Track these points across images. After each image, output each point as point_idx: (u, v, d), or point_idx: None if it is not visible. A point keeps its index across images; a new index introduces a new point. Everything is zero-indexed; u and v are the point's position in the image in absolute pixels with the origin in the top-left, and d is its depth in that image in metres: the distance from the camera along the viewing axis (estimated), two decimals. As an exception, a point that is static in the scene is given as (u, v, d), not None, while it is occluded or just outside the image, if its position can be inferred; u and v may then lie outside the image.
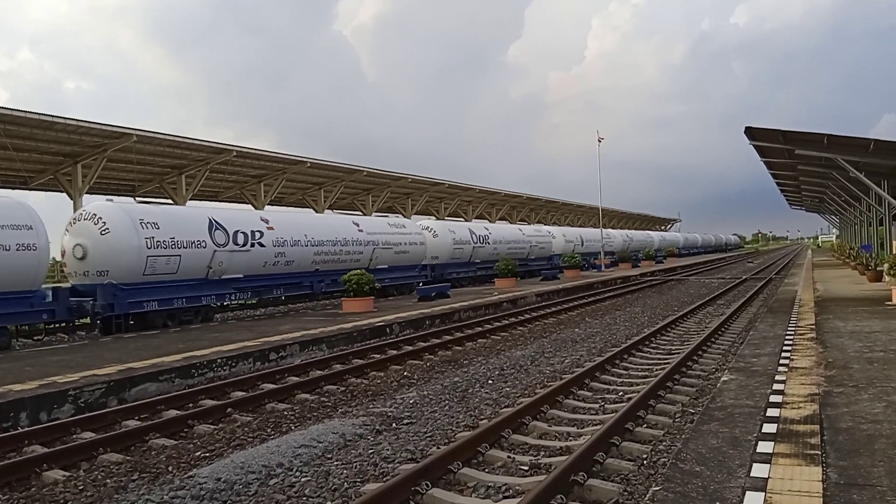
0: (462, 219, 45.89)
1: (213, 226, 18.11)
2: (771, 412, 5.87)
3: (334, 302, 25.03)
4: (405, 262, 26.48)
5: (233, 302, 21.16)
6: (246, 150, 25.93)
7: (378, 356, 12.55)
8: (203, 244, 17.59)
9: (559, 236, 45.11)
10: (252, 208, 29.62)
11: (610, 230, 59.65)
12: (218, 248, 17.96)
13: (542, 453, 6.47)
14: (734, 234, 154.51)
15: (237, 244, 18.60)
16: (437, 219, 41.85)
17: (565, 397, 8.59)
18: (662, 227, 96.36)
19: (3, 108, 18.08)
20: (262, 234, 19.51)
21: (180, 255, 16.98)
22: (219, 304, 19.62)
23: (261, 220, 20.14)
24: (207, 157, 25.21)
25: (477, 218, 47.97)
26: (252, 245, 19.12)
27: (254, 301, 23.19)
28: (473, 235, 33.50)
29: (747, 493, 4.05)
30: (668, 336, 14.09)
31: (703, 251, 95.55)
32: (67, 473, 6.46)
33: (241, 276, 18.97)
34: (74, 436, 7.77)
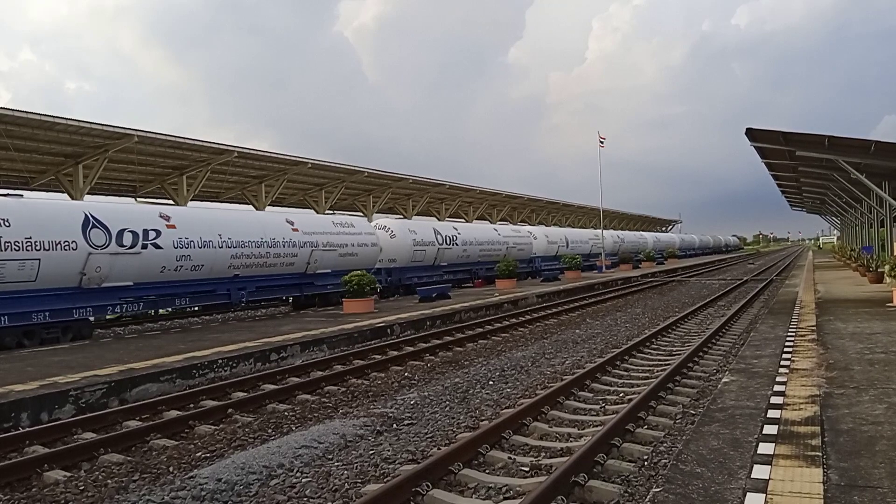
0: (463, 220, 45.87)
1: (89, 223, 15.09)
2: (772, 413, 5.87)
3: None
4: (354, 266, 22.11)
5: (124, 314, 17.97)
6: (247, 150, 25.94)
7: (379, 357, 12.55)
8: (73, 245, 14.59)
9: (541, 237, 41.44)
10: (253, 209, 29.64)
11: (605, 231, 56.92)
12: (94, 251, 14.95)
13: (543, 454, 6.47)
14: (733, 236, 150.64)
15: (122, 245, 15.60)
16: (439, 219, 41.83)
17: (566, 398, 8.59)
18: (663, 229, 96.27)
19: (4, 108, 18.10)
20: (158, 233, 16.48)
21: (39, 259, 13.97)
22: (99, 317, 16.56)
23: (159, 216, 16.96)
24: (208, 157, 25.23)
25: (478, 219, 47.98)
26: (144, 247, 16.08)
27: (150, 313, 20.27)
28: (439, 236, 29.78)
29: (748, 494, 4.05)
30: (669, 337, 14.08)
31: (700, 252, 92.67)
32: (68, 474, 6.46)
33: (130, 283, 16.01)
34: (75, 436, 7.77)
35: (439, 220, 41.90)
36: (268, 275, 20.13)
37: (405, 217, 39.38)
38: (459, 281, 32.06)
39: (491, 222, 48.01)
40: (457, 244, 31.34)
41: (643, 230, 78.99)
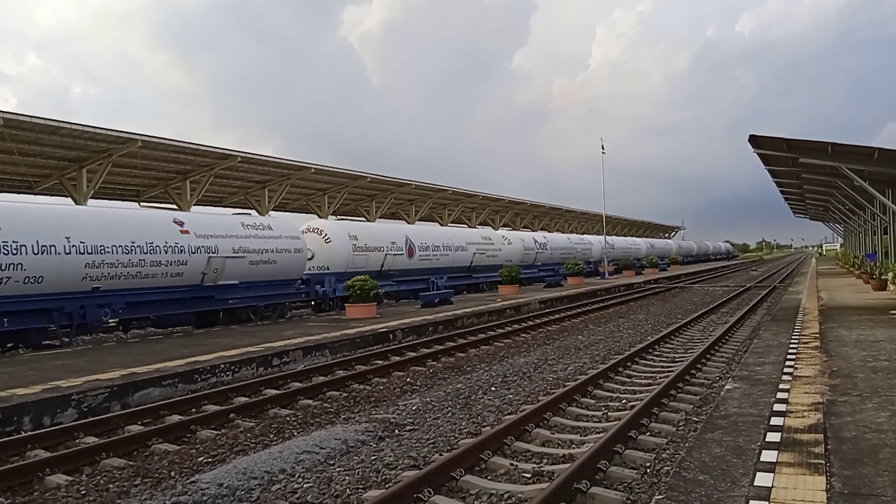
0: (465, 225, 45.82)
1: None
2: (775, 421, 5.86)
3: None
4: None
5: None
6: (251, 155, 26.00)
7: (381, 362, 12.55)
8: None
9: (339, 237, 23.77)
10: (257, 214, 29.71)
11: (508, 232, 42.09)
12: None
13: (545, 461, 6.45)
14: (726, 241, 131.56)
15: None
16: (441, 225, 41.77)
17: (568, 405, 8.57)
18: (666, 235, 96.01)
19: (9, 112, 18.14)
20: None
21: None
22: None
23: None
24: (212, 162, 25.27)
25: (480, 224, 47.93)
26: None
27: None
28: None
29: (751, 501, 4.04)
30: (672, 344, 14.05)
31: (680, 262, 69.78)
32: (70, 478, 6.46)
33: None
34: (77, 440, 7.78)
35: (441, 225, 41.78)
36: None
37: (408, 223, 39.34)
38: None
39: (494, 228, 47.93)
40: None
41: (646, 236, 78.82)
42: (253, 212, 26.36)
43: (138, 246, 16.01)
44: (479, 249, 32.81)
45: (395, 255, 25.90)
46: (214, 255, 17.84)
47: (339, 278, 22.59)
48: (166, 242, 16.74)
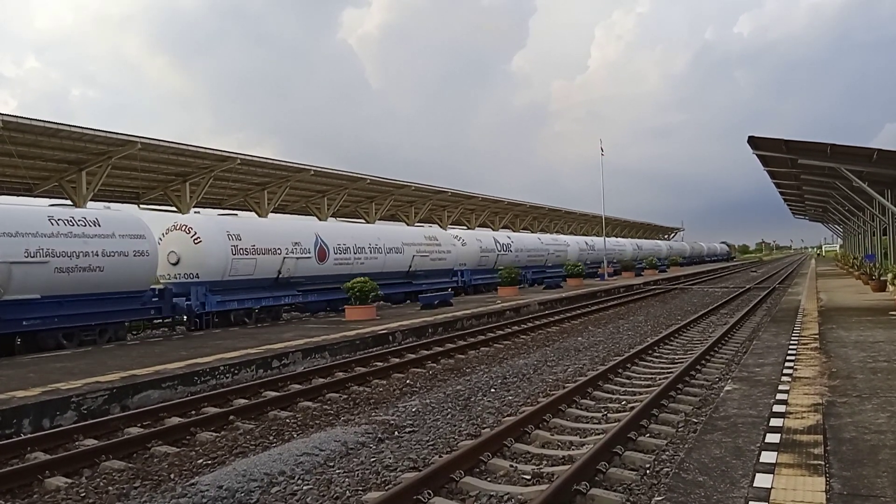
0: (465, 227, 45.82)
1: None
2: (774, 422, 5.86)
3: (338, 310, 22.48)
4: None
5: None
6: (250, 157, 26.03)
7: (381, 364, 12.55)
8: None
9: (213, 236, 18.57)
10: (255, 216, 29.71)
11: (463, 231, 36.73)
12: None
13: (545, 462, 6.46)
14: (722, 243, 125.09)
15: None
16: (441, 227, 41.75)
17: (568, 406, 8.57)
18: (665, 236, 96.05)
19: (8, 115, 18.15)
20: None
21: None
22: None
23: None
24: (212, 164, 25.30)
25: (480, 226, 47.95)
26: None
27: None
28: None
29: (750, 503, 4.05)
30: (672, 345, 14.06)
31: (668, 264, 63.82)
32: (69, 480, 6.46)
33: None
34: (77, 443, 7.77)
35: (441, 227, 41.76)
36: None
37: (407, 224, 39.33)
38: None
39: (494, 230, 47.91)
40: None
41: (645, 238, 78.81)
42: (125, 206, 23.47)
43: None
44: (421, 251, 27.14)
45: (297, 258, 20.79)
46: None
47: (213, 289, 18.28)
48: None
